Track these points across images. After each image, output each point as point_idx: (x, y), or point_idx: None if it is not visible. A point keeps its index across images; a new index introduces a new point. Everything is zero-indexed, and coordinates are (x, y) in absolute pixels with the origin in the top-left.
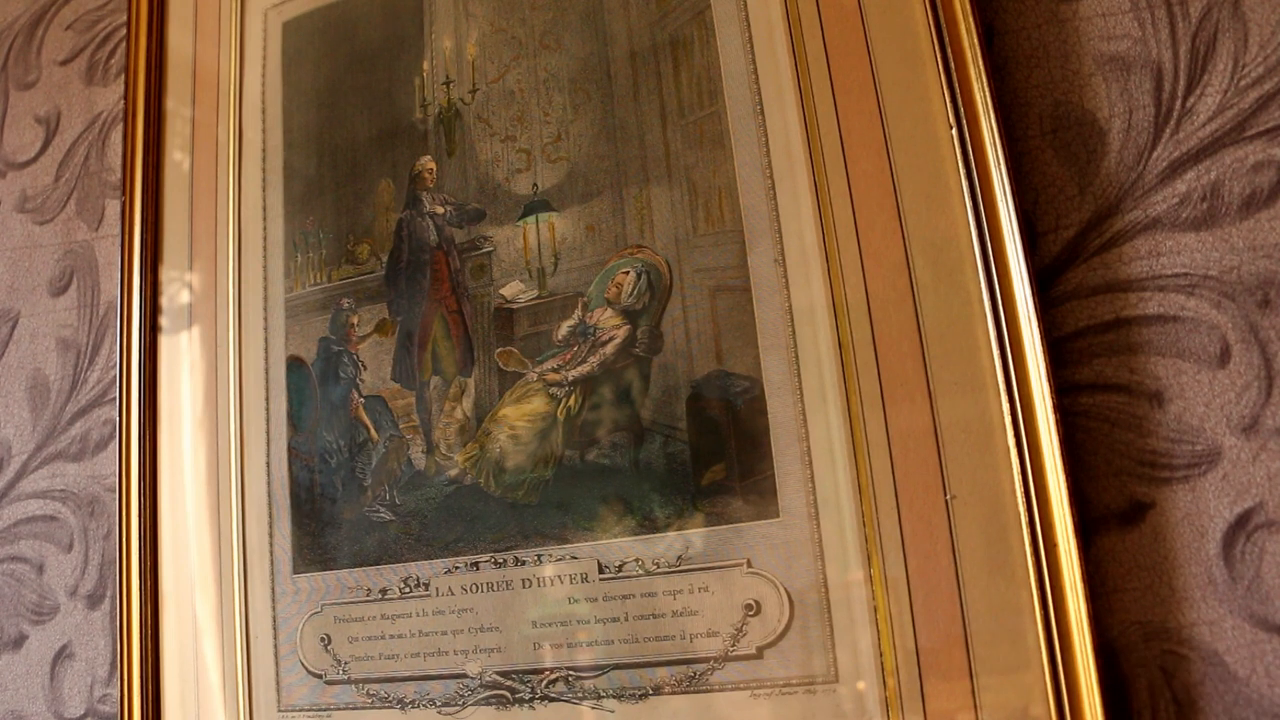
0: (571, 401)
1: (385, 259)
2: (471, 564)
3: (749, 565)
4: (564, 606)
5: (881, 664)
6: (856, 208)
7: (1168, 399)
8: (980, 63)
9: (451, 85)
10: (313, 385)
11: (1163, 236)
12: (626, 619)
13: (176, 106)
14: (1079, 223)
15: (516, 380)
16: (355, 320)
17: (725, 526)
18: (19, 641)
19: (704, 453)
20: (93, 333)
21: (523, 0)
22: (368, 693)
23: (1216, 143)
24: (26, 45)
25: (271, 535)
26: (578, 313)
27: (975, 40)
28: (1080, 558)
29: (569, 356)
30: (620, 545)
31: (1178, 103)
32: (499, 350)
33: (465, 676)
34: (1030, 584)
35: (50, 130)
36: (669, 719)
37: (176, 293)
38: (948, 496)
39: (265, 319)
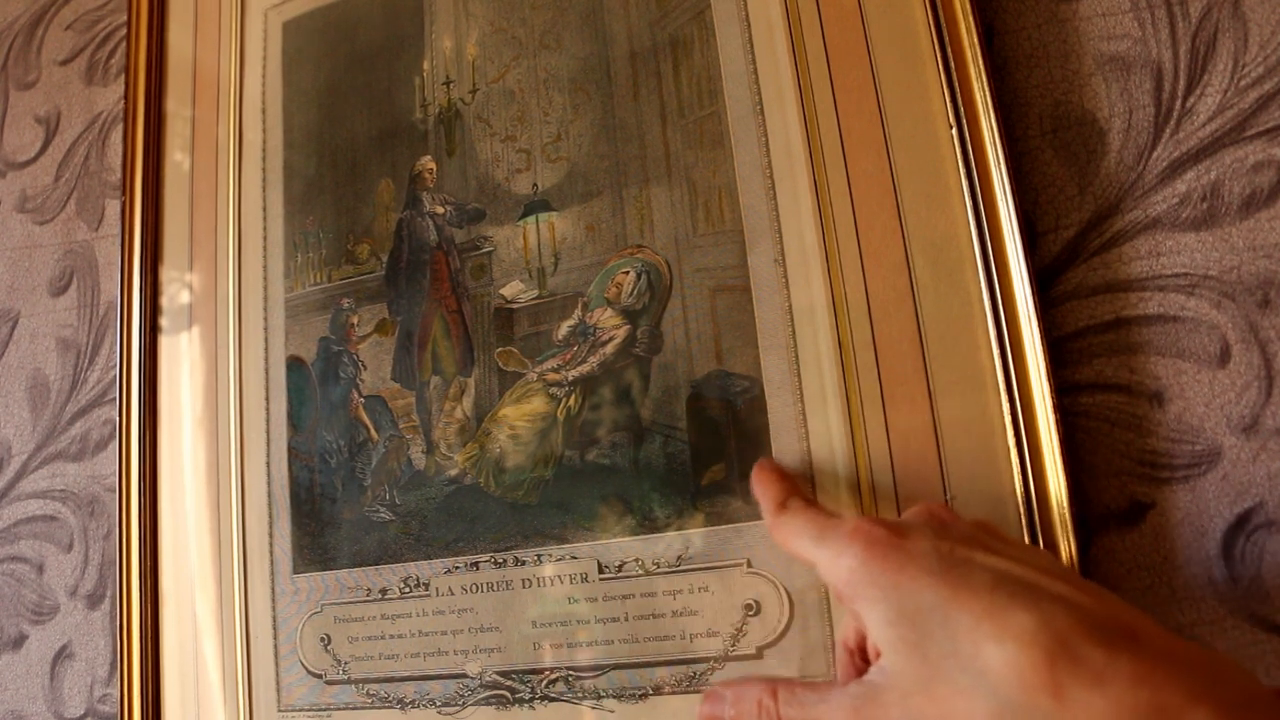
0: (571, 401)
1: (385, 259)
2: (471, 564)
3: (749, 565)
4: (564, 606)
5: None
6: (856, 208)
7: (1168, 399)
8: (980, 63)
9: (451, 85)
10: (313, 385)
11: (1163, 236)
12: (626, 619)
13: (176, 107)
14: (1079, 223)
15: (516, 380)
16: (355, 320)
17: (725, 526)
18: (19, 641)
19: (704, 452)
20: (93, 333)
21: (523, 0)
22: (367, 693)
23: (1216, 143)
24: (26, 45)
25: (271, 535)
26: (577, 313)
27: (975, 40)
28: (1080, 558)
29: (569, 356)
30: (620, 545)
31: (1178, 103)
32: (499, 350)
33: (465, 676)
34: None
35: (50, 130)
36: (669, 719)
37: (176, 293)
38: (948, 496)
39: (265, 319)
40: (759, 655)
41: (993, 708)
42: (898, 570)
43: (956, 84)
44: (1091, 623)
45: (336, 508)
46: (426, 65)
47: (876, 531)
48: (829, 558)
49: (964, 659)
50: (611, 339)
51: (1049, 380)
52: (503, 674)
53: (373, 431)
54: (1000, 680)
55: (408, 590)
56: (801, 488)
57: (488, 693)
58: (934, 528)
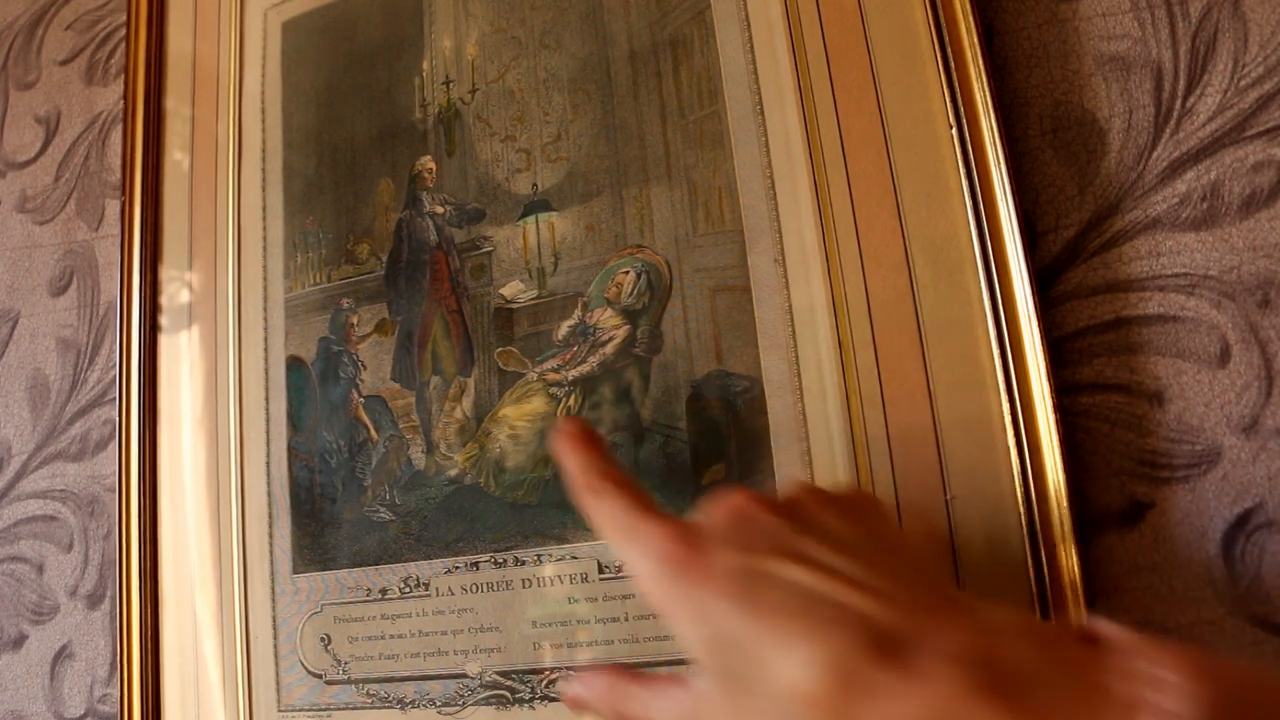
0: (571, 401)
1: (385, 259)
2: (471, 564)
3: None
4: (564, 606)
5: None
6: (856, 208)
7: (1168, 399)
8: (980, 63)
9: (451, 85)
10: (312, 385)
11: (1163, 236)
12: (626, 619)
13: (176, 106)
14: (1079, 223)
15: (516, 380)
16: (355, 320)
17: None
18: (19, 641)
19: (704, 453)
20: (93, 333)
21: (523, 0)
22: (367, 693)
23: (1216, 143)
24: (26, 45)
25: (271, 535)
26: (577, 313)
27: (975, 40)
28: (1080, 558)
29: (569, 356)
30: None
31: (1178, 103)
32: (499, 350)
33: (465, 676)
34: (1030, 584)
35: (50, 130)
36: None
37: (176, 292)
38: (948, 496)
39: (265, 319)
40: None
41: None
42: (697, 597)
43: (956, 84)
44: (876, 637)
45: (336, 508)
46: (426, 65)
47: (673, 549)
48: (632, 564)
49: (764, 688)
50: (611, 339)
51: (1049, 380)
52: (503, 674)
53: (373, 431)
54: (798, 710)
55: (408, 590)
56: (608, 454)
57: (488, 693)
58: (736, 532)
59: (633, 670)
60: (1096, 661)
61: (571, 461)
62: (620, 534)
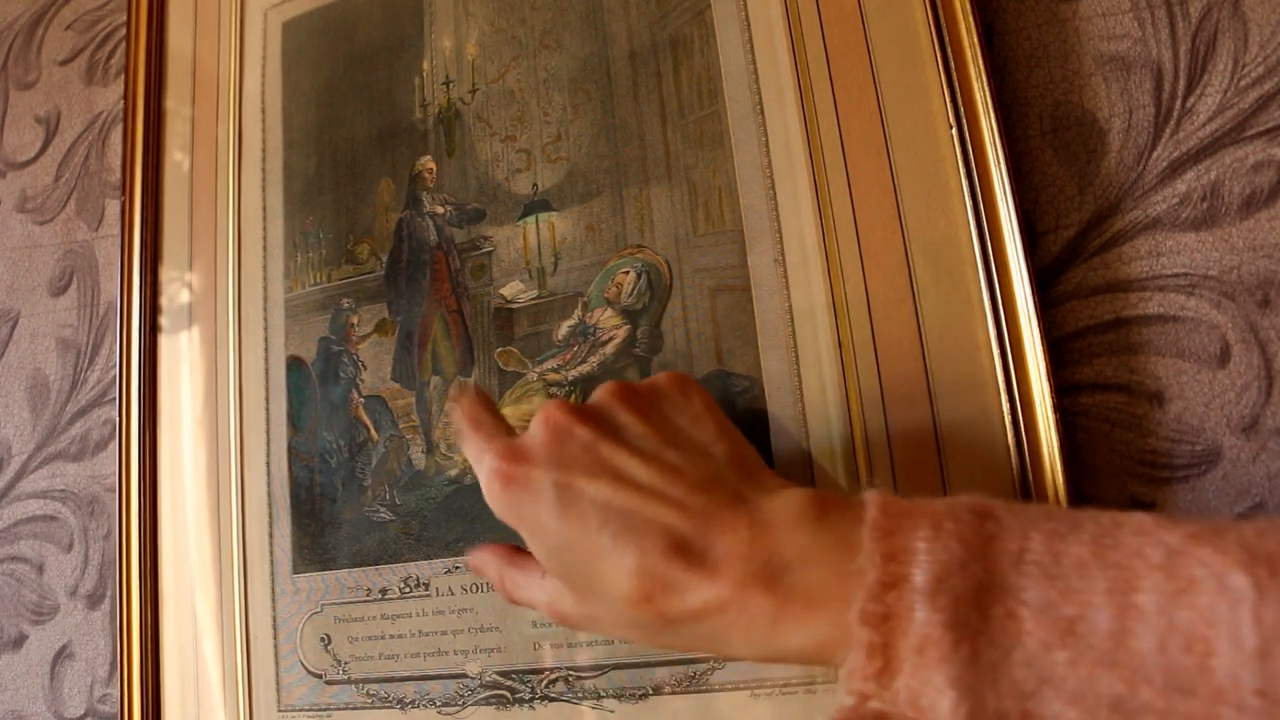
0: (572, 401)
1: (385, 259)
2: None
3: None
4: None
5: None
6: (856, 208)
7: (1168, 399)
8: (980, 63)
9: (451, 85)
10: (312, 385)
11: (1163, 236)
12: None
13: (176, 106)
14: (1079, 223)
15: (516, 380)
16: (355, 320)
17: None
18: (19, 641)
19: None
20: (93, 333)
21: (523, 0)
22: (367, 693)
23: (1216, 143)
24: (26, 45)
25: (271, 535)
26: (577, 313)
27: (975, 40)
28: None
29: (569, 356)
30: None
31: (1178, 103)
32: (499, 350)
33: (465, 676)
34: None
35: (50, 130)
36: (669, 719)
37: (176, 293)
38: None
39: (265, 319)
40: None
41: (626, 625)
42: (528, 513)
43: (956, 84)
44: (675, 544)
45: (336, 508)
46: (426, 65)
47: (501, 466)
48: (481, 483)
49: (598, 590)
50: (611, 339)
51: (1049, 380)
52: (503, 674)
53: (373, 431)
54: (623, 607)
55: (408, 590)
56: (487, 404)
57: (488, 693)
58: (553, 449)
59: (519, 554)
60: (858, 542)
61: (459, 414)
62: (472, 458)
